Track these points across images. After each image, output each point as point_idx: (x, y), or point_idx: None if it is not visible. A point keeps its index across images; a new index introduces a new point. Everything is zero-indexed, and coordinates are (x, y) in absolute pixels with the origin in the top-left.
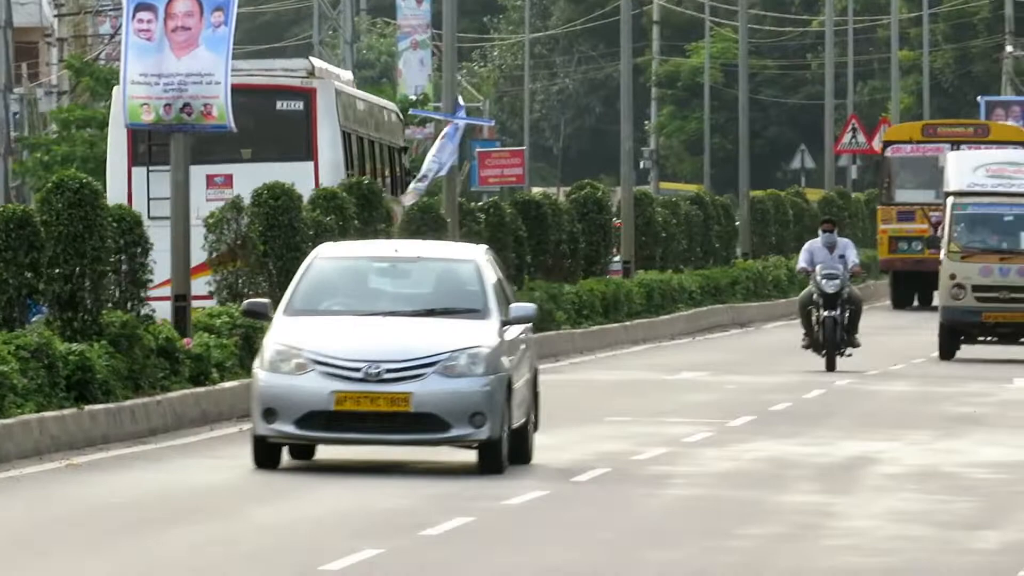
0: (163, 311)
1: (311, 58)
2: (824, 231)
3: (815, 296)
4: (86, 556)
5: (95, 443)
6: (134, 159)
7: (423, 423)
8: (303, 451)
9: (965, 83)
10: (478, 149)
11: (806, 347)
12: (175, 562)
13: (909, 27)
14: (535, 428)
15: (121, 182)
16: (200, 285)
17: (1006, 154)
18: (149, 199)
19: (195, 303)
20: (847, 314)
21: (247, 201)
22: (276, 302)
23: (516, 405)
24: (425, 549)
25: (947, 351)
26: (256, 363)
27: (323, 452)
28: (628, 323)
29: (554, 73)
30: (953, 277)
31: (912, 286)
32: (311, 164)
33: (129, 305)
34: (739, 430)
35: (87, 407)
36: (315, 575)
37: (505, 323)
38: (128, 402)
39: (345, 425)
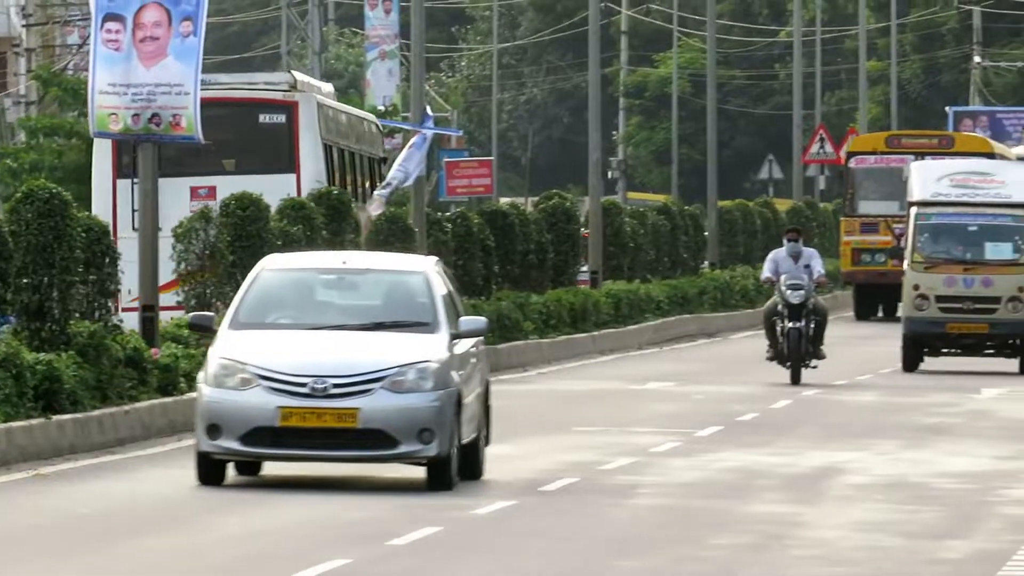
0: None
1: (293, 71)
2: (789, 240)
3: (779, 307)
4: (53, 566)
5: (63, 453)
6: (119, 171)
7: (371, 439)
8: (249, 467)
9: (933, 93)
10: (446, 159)
11: (770, 359)
12: (143, 573)
13: (877, 37)
14: (486, 443)
15: (106, 194)
16: (170, 296)
17: (970, 164)
18: (134, 211)
19: (165, 314)
20: (812, 326)
21: (215, 211)
22: None
23: (466, 420)
24: (393, 559)
25: (910, 363)
26: (200, 378)
27: (271, 467)
28: (596, 333)
29: (522, 83)
30: (917, 288)
31: (875, 297)
32: (293, 176)
33: (97, 315)
34: (707, 440)
35: (55, 417)
36: None
37: (455, 337)
38: (96, 412)
39: (291, 441)
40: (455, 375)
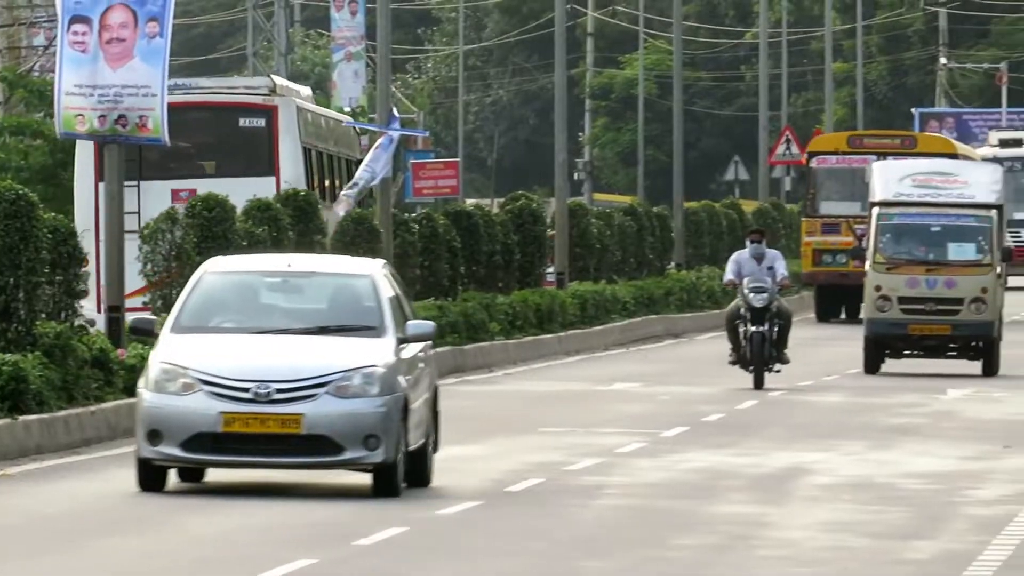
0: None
1: (272, 76)
2: (752, 242)
3: (742, 310)
4: (19, 567)
5: (28, 453)
6: (101, 174)
7: (315, 446)
8: (192, 474)
9: (899, 95)
10: (412, 160)
11: (733, 363)
12: (111, 573)
13: (843, 39)
14: (435, 449)
15: (88, 196)
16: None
17: (933, 164)
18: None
19: (133, 315)
20: (775, 329)
21: (182, 213)
22: None
23: (413, 426)
24: (359, 559)
25: (872, 365)
26: (141, 382)
27: (215, 474)
28: (562, 334)
29: (488, 85)
30: (878, 289)
31: (837, 299)
32: (273, 179)
33: (63, 316)
34: (672, 441)
35: (20, 417)
36: None
37: (402, 341)
38: (62, 413)
39: (233, 448)
40: (402, 380)
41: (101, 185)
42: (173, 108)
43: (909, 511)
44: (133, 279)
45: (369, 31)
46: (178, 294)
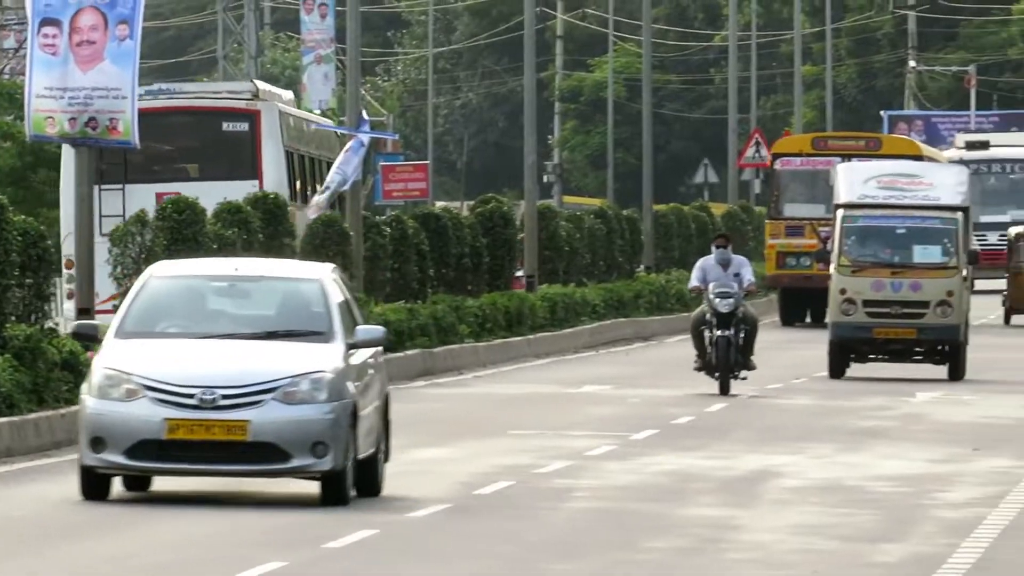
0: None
1: (255, 80)
2: (717, 247)
3: (708, 316)
4: None
5: None
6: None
7: (261, 453)
8: (137, 482)
9: (868, 97)
10: (382, 163)
11: (698, 369)
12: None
13: (812, 42)
14: (386, 458)
15: (73, 201)
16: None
17: (898, 165)
18: (100, 216)
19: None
20: (741, 335)
21: (151, 215)
22: None
23: (363, 434)
24: (329, 562)
25: (836, 369)
26: (84, 388)
27: (161, 482)
28: (532, 337)
29: (458, 87)
30: (843, 292)
31: (802, 302)
32: (256, 182)
33: (33, 318)
34: (642, 443)
35: None
36: None
37: (351, 346)
38: (32, 415)
39: (178, 455)
40: (351, 386)
41: None
42: (157, 112)
43: (878, 514)
44: (108, 285)
45: (339, 34)
46: None
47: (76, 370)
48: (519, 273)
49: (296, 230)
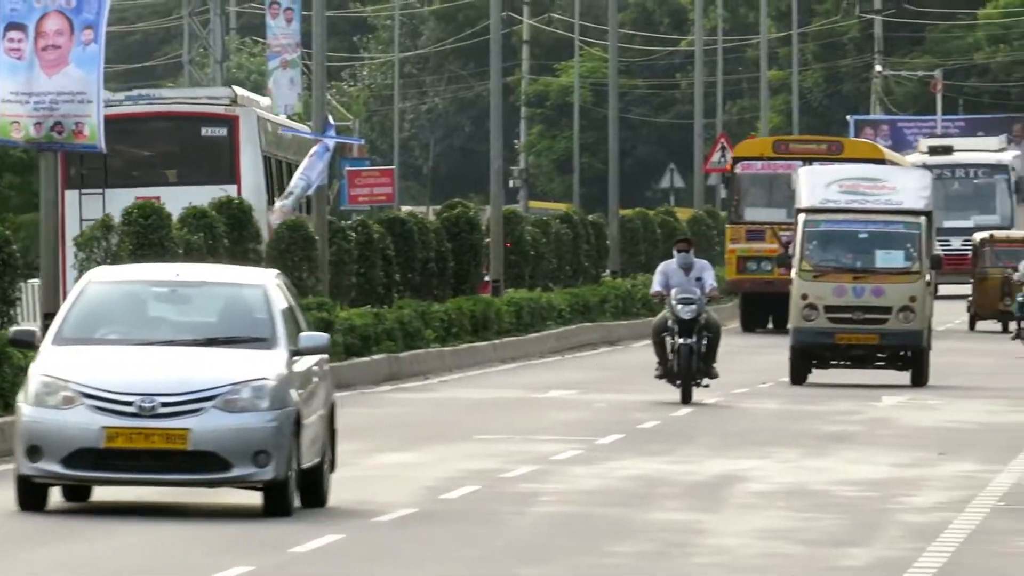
0: None
1: (234, 87)
2: (679, 251)
3: (670, 322)
4: None
5: None
6: (67, 182)
7: (202, 462)
8: (76, 492)
9: (835, 102)
10: (348, 168)
11: (659, 377)
12: None
13: (778, 46)
14: (332, 468)
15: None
16: None
17: (860, 169)
18: (82, 220)
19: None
20: (704, 342)
21: (117, 220)
22: None
23: (307, 443)
24: (295, 566)
25: (798, 375)
26: (20, 396)
27: (102, 492)
28: (497, 341)
29: (424, 92)
30: (805, 297)
31: (763, 307)
32: (234, 187)
33: None
34: (608, 448)
35: None
36: None
37: (295, 353)
38: None
39: (116, 464)
40: (294, 394)
41: (68, 193)
42: (137, 118)
43: (844, 518)
44: None
45: (305, 38)
46: None
47: None
48: (487, 277)
49: (262, 235)
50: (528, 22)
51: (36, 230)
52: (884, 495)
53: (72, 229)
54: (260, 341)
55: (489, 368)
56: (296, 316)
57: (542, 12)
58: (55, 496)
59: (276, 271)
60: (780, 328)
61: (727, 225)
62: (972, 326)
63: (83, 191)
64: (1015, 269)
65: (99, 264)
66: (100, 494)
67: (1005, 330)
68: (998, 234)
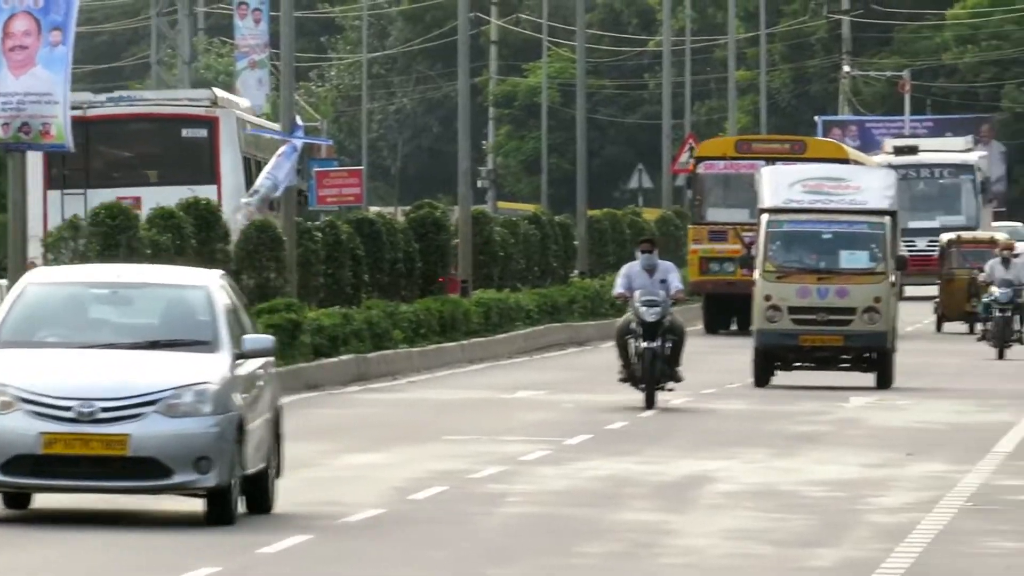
0: None
1: (214, 88)
2: (642, 252)
3: (633, 325)
4: None
5: None
6: (49, 183)
7: (142, 468)
8: (16, 499)
9: (803, 103)
10: (316, 169)
11: (623, 380)
12: None
13: (746, 47)
14: (278, 474)
15: (37, 204)
16: None
17: (824, 169)
18: (64, 220)
19: None
20: (668, 345)
21: (85, 221)
22: None
23: (251, 448)
24: (263, 567)
25: (761, 378)
26: None
27: (43, 500)
28: (465, 342)
29: (392, 93)
30: (768, 298)
31: (726, 309)
32: (215, 187)
33: None
34: (576, 448)
35: None
36: None
37: (239, 357)
38: None
39: (55, 471)
40: (237, 398)
41: (50, 193)
42: (118, 119)
43: (812, 519)
44: None
45: (273, 39)
46: None
47: None
48: (454, 274)
49: (231, 235)
50: (496, 23)
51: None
52: (852, 495)
53: (54, 227)
54: (203, 344)
55: (457, 369)
56: (241, 318)
57: (510, 13)
58: None
59: (220, 272)
60: (744, 330)
61: (689, 226)
62: (939, 327)
63: (65, 191)
64: (981, 270)
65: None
66: (41, 500)
67: (972, 331)
68: (965, 235)
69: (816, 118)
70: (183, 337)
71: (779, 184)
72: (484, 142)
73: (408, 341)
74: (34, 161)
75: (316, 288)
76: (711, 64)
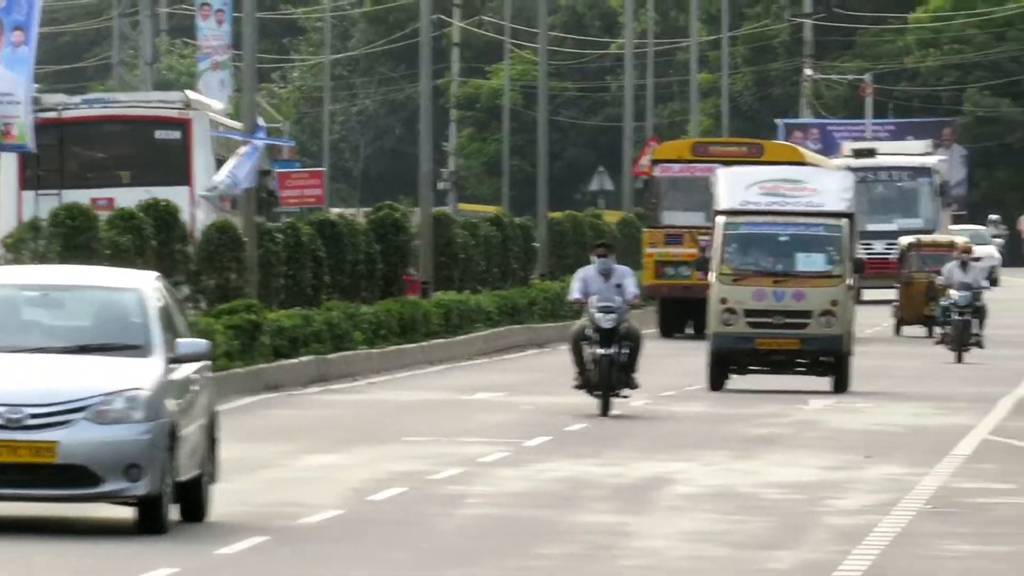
0: None
1: (187, 91)
2: (598, 256)
3: (588, 331)
4: None
5: None
6: (24, 183)
7: (71, 476)
8: None
9: (765, 106)
10: (278, 170)
11: (578, 387)
12: None
13: (709, 50)
14: (213, 481)
15: (12, 205)
16: None
17: (781, 171)
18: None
19: None
20: (625, 351)
21: (45, 222)
22: None
23: (184, 455)
24: (220, 568)
25: (716, 381)
26: None
27: None
28: (426, 343)
29: (354, 94)
30: (724, 301)
31: (682, 313)
32: (187, 189)
33: None
34: (535, 450)
35: None
36: None
37: (172, 361)
38: None
39: None
40: (170, 404)
41: (24, 194)
42: (92, 121)
43: (770, 521)
44: None
45: (235, 40)
46: None
47: None
48: (414, 273)
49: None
50: (459, 24)
51: None
52: (811, 498)
53: None
54: (135, 348)
55: (417, 370)
56: (175, 321)
57: (473, 15)
58: None
59: (156, 274)
60: (700, 334)
61: (644, 229)
62: (898, 331)
63: (40, 192)
64: (939, 273)
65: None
66: None
67: (930, 335)
68: (924, 238)
69: (778, 121)
70: (115, 341)
71: (735, 186)
72: (446, 144)
73: (368, 342)
74: (8, 162)
75: (277, 289)
76: (673, 67)
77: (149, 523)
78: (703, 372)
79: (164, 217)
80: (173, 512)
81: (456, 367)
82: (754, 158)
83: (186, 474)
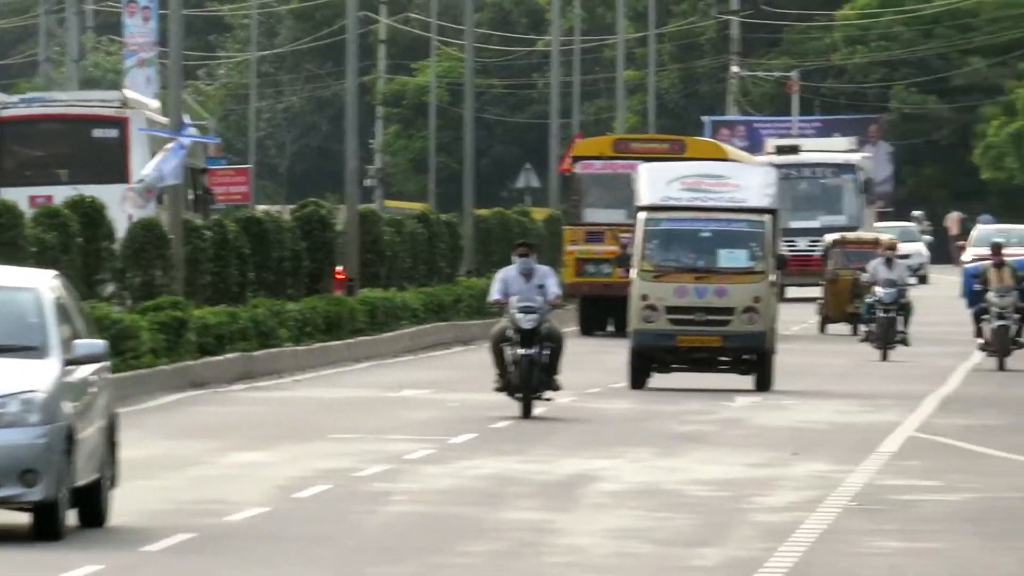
0: None
1: (124, 90)
2: (519, 256)
3: (509, 332)
4: None
5: None
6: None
7: None
8: None
9: (691, 103)
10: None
11: (499, 389)
12: None
13: (635, 47)
14: (113, 484)
15: None
16: None
17: (704, 166)
18: None
19: None
20: (546, 352)
21: None
22: None
23: (82, 459)
24: (147, 565)
25: (637, 379)
26: None
27: None
28: (351, 341)
29: (281, 91)
30: (645, 298)
31: (602, 310)
32: (124, 186)
33: None
34: (461, 447)
35: None
36: None
37: (70, 362)
38: None
39: None
40: (67, 407)
41: None
42: (31, 120)
43: (696, 518)
44: None
45: (162, 37)
46: None
47: None
48: (339, 268)
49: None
50: (385, 21)
51: None
52: (736, 495)
53: None
54: (31, 349)
55: (343, 367)
56: (74, 321)
57: (399, 12)
58: None
59: (55, 272)
60: (621, 332)
61: (565, 226)
62: (823, 328)
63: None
64: (864, 270)
65: None
66: None
67: (855, 332)
68: (849, 235)
69: (704, 118)
70: (10, 342)
71: (657, 181)
72: (372, 141)
73: (294, 340)
74: None
75: (203, 286)
76: (600, 64)
77: (45, 529)
78: (624, 371)
79: (90, 214)
80: (71, 517)
81: (382, 364)
82: (676, 155)
83: (84, 478)
